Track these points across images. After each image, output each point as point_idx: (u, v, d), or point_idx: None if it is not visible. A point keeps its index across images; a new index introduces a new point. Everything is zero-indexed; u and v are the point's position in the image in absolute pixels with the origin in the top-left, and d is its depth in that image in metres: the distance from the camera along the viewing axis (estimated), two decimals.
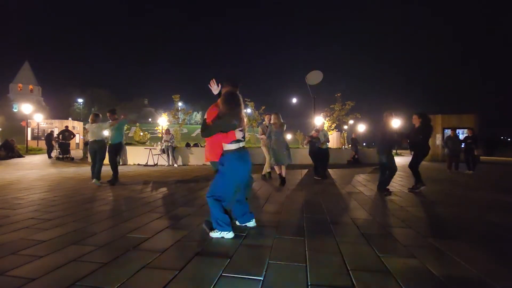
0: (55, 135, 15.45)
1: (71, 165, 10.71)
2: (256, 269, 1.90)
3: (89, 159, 6.80)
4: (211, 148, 2.77)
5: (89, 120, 6.03)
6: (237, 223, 2.87)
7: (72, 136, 14.33)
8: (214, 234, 2.53)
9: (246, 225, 2.84)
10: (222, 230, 2.51)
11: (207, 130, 2.55)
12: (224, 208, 2.55)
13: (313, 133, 7.53)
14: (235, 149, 2.52)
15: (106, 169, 5.98)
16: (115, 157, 6.07)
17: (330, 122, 22.36)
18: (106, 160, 5.81)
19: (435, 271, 1.89)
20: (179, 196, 4.59)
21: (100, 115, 6.18)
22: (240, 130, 2.54)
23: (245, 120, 2.69)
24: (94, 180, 5.68)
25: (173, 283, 1.70)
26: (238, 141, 2.53)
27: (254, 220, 2.87)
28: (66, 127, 15.08)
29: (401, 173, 8.80)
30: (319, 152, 7.35)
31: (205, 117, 2.69)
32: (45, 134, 16.64)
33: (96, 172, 5.71)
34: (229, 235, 2.50)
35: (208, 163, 3.26)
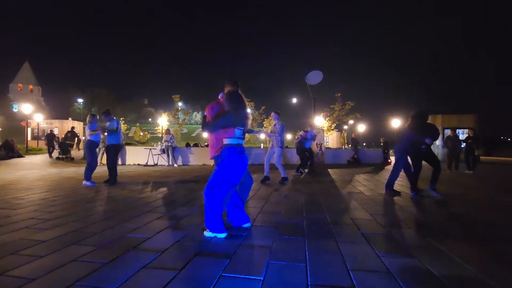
0: (56, 134, 15.59)
1: (71, 165, 10.71)
2: (256, 269, 1.90)
3: None
4: (216, 143, 2.81)
5: (87, 121, 6.04)
6: (232, 224, 2.85)
7: (74, 138, 14.59)
8: (208, 234, 2.55)
9: (241, 226, 2.83)
10: (214, 231, 2.53)
11: (209, 126, 2.65)
12: (220, 210, 2.56)
13: (301, 133, 8.39)
14: (235, 144, 2.60)
15: (102, 169, 5.98)
16: (113, 158, 5.99)
17: (330, 122, 22.37)
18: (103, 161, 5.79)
19: (435, 271, 1.89)
20: (179, 196, 4.58)
21: (97, 116, 6.18)
22: (240, 129, 2.61)
23: (250, 118, 2.78)
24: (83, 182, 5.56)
25: (173, 283, 1.70)
26: (238, 138, 2.62)
27: (249, 223, 2.86)
28: (73, 128, 15.44)
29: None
30: (306, 149, 8.29)
31: (205, 113, 2.81)
32: (46, 134, 16.79)
33: (85, 172, 5.62)
34: (221, 235, 2.52)
35: (209, 163, 3.27)
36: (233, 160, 2.57)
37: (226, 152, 2.58)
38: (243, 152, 2.68)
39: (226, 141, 2.61)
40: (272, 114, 6.45)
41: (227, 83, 3.01)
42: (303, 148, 8.25)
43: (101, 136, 6.80)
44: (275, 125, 6.38)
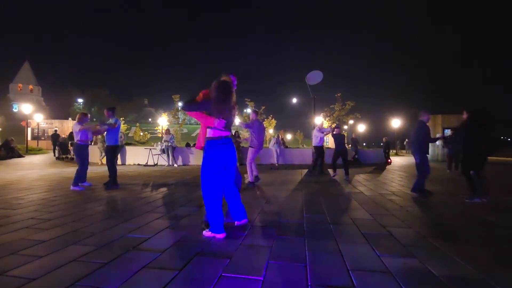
0: (62, 136, 15.69)
1: (71, 165, 10.71)
2: (256, 269, 1.90)
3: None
4: (203, 134, 2.79)
5: (76, 119, 5.65)
6: (232, 221, 2.86)
7: None
8: (206, 234, 2.56)
9: (240, 224, 2.83)
10: (213, 231, 2.54)
11: (189, 104, 2.63)
12: (218, 208, 2.56)
13: (336, 130, 7.91)
14: (216, 137, 2.57)
15: (102, 170, 5.95)
16: (112, 159, 5.69)
17: (330, 122, 22.38)
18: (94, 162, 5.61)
19: (435, 271, 1.89)
20: (179, 196, 4.59)
21: (88, 114, 5.92)
22: (224, 119, 2.55)
23: (235, 108, 2.71)
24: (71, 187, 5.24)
25: (173, 283, 1.70)
26: (220, 130, 2.57)
27: (247, 219, 2.87)
28: None
29: (401, 173, 8.80)
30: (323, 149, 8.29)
31: (197, 96, 2.77)
32: (51, 134, 16.99)
33: (75, 176, 5.30)
34: (220, 235, 2.52)
35: None
36: (214, 154, 2.55)
37: (207, 146, 2.58)
38: (228, 144, 2.60)
39: (208, 133, 2.58)
40: (251, 113, 6.27)
41: (223, 74, 2.97)
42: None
43: (92, 136, 6.59)
44: (253, 123, 5.96)
